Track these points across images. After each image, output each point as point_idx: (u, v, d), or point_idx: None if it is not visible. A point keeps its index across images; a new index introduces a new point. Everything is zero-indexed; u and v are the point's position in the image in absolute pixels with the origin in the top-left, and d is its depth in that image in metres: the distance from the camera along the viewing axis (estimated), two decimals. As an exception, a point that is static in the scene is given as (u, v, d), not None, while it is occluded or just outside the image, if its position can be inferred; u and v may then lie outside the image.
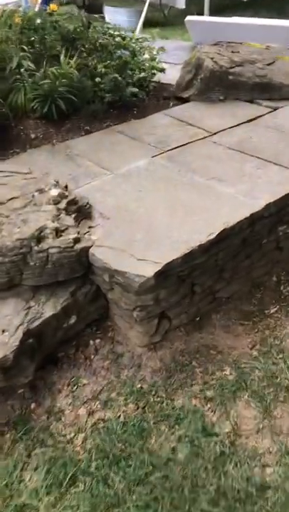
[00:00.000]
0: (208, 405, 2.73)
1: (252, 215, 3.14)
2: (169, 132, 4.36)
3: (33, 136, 4.31)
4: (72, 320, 3.03)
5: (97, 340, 3.15)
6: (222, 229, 3.00)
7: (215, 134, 4.30)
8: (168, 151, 4.03)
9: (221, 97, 4.95)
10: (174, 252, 2.83)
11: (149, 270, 2.72)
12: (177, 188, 3.44)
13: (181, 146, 4.11)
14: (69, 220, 3.05)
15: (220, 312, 3.35)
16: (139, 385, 2.87)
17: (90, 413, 2.73)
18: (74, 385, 2.90)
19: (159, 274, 2.74)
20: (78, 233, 2.99)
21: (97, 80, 4.61)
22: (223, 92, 4.96)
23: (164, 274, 2.81)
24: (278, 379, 2.83)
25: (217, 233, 2.97)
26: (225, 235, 3.05)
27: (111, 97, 4.63)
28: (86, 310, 3.13)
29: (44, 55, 4.91)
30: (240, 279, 3.47)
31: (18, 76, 4.43)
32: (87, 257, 2.95)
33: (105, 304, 3.22)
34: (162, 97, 5.22)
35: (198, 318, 3.29)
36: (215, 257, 3.14)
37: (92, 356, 3.07)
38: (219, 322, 3.28)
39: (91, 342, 3.15)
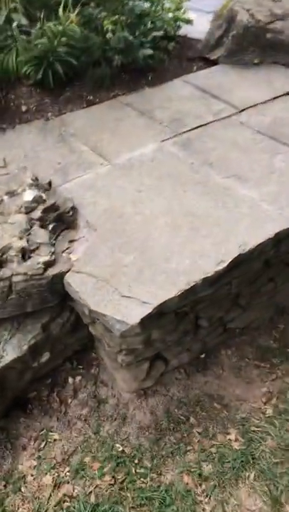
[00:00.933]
0: (203, 486, 2.15)
1: (277, 234, 2.42)
2: (187, 107, 3.58)
3: (24, 108, 3.60)
4: (45, 357, 2.47)
5: (78, 378, 2.60)
6: (236, 255, 2.31)
7: (243, 110, 3.50)
8: (183, 133, 3.28)
9: (256, 61, 4.08)
10: (169, 288, 2.18)
11: (134, 314, 2.09)
12: (186, 190, 2.74)
13: (199, 126, 3.34)
14: (43, 235, 2.41)
15: (231, 347, 2.73)
16: (120, 448, 2.32)
17: (57, 484, 2.21)
18: (42, 441, 2.38)
19: (147, 318, 2.11)
20: (53, 253, 2.36)
21: (109, 35, 3.79)
22: (258, 54, 4.08)
23: (157, 313, 2.17)
24: (296, 455, 2.21)
25: (229, 261, 2.28)
26: (240, 261, 2.36)
27: (120, 60, 3.83)
28: (64, 342, 2.56)
29: (48, 3, 4.11)
30: (261, 305, 2.81)
31: (9, 33, 3.67)
32: (63, 284, 2.33)
33: (89, 333, 2.63)
34: (186, 58, 4.37)
35: (203, 356, 2.67)
36: (227, 287, 2.47)
37: (69, 400, 2.52)
38: (229, 361, 2.66)
39: (70, 380, 2.60)
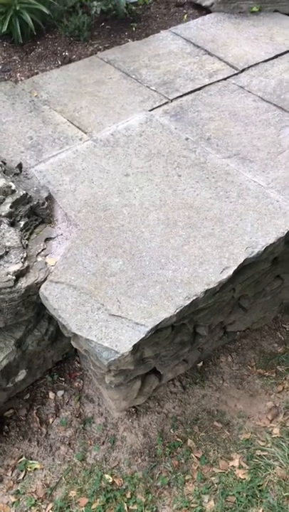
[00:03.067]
0: (205, 526, 1.90)
1: (290, 232, 2.08)
2: (178, 66, 3.10)
3: (-12, 67, 3.08)
4: (21, 376, 2.14)
5: (60, 393, 2.29)
6: (242, 260, 1.96)
7: (243, 71, 3.04)
8: (174, 99, 2.83)
9: (255, 8, 3.56)
10: (166, 303, 1.84)
11: (124, 340, 1.76)
12: (181, 174, 2.34)
13: (193, 91, 2.89)
14: (13, 236, 2.02)
15: (232, 353, 2.43)
16: (110, 479, 2.04)
17: (38, 527, 1.94)
18: (21, 470, 2.09)
19: (140, 344, 1.78)
20: (25, 258, 1.98)
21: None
22: (257, 0, 3.56)
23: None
24: (309, 487, 1.97)
25: (234, 268, 1.94)
26: (247, 265, 2.02)
27: (100, 7, 3.30)
28: (42, 356, 2.23)
29: None
30: (264, 304, 2.49)
31: None
32: (39, 296, 1.97)
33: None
34: (174, 3, 3.81)
35: (200, 364, 2.38)
36: (230, 293, 2.14)
37: (51, 420, 2.22)
38: (230, 369, 2.37)
39: (51, 395, 2.29)
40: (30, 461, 2.11)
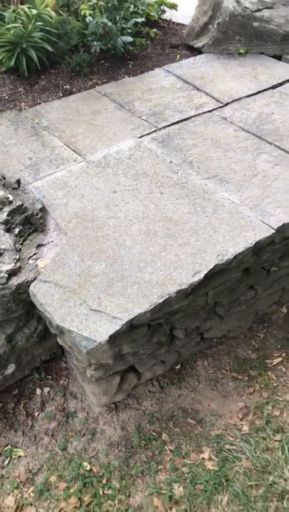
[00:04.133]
0: (174, 510, 2.04)
1: (258, 243, 2.29)
2: (168, 99, 3.40)
3: (-4, 97, 3.40)
4: (10, 369, 2.33)
5: (46, 390, 2.47)
6: (212, 266, 2.18)
7: (227, 104, 3.33)
8: (162, 128, 3.11)
9: (242, 50, 3.90)
10: (142, 301, 2.04)
11: (102, 331, 1.95)
12: (164, 191, 2.59)
13: (180, 121, 3.18)
14: (7, 240, 2.25)
15: (208, 357, 2.61)
16: (88, 467, 2.20)
17: (19, 506, 2.09)
18: (6, 457, 2.25)
19: (116, 335, 1.98)
20: (18, 260, 2.21)
21: (89, 19, 3.58)
22: (244, 43, 3.91)
23: (128, 327, 2.04)
24: (270, 477, 2.12)
25: (205, 272, 2.15)
26: (218, 271, 2.23)
27: (100, 46, 3.64)
28: (31, 353, 2.42)
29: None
30: (239, 314, 2.69)
31: (-20, 16, 3.46)
32: (28, 294, 2.18)
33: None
34: (169, 45, 4.17)
35: (178, 367, 2.55)
36: (204, 297, 2.34)
37: (37, 413, 2.39)
38: (206, 372, 2.55)
39: (38, 391, 2.47)
40: (15, 449, 2.27)
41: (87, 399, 2.43)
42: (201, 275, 2.15)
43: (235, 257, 2.23)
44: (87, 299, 2.07)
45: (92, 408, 2.40)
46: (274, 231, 2.35)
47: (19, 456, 2.25)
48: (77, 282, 2.14)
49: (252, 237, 2.31)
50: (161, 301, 2.05)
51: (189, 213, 2.46)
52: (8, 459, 2.24)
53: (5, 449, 2.27)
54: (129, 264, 2.21)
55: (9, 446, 2.28)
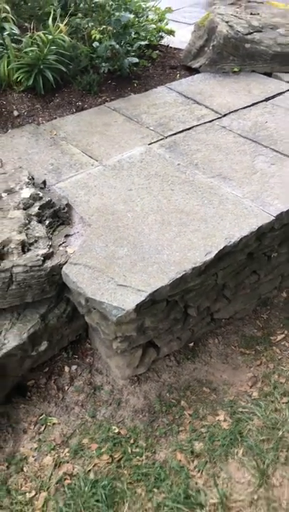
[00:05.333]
0: (195, 463, 2.30)
1: (260, 228, 2.61)
2: (171, 112, 3.77)
3: (16, 113, 3.74)
4: (43, 346, 2.59)
5: (73, 367, 2.73)
6: (222, 247, 2.49)
7: (225, 115, 3.70)
8: (168, 136, 3.46)
9: (236, 69, 4.30)
10: (161, 277, 2.34)
11: (129, 301, 2.24)
12: (174, 188, 2.91)
13: (184, 130, 3.53)
14: (41, 229, 2.56)
15: (218, 336, 2.89)
16: (116, 430, 2.45)
17: (57, 464, 2.33)
18: (42, 425, 2.50)
19: (141, 305, 2.26)
20: (50, 246, 2.50)
21: (96, 44, 3.98)
22: (238, 63, 4.31)
23: (150, 301, 2.33)
24: (280, 432, 2.38)
25: (216, 252, 2.46)
26: (226, 253, 2.54)
27: (108, 67, 4.02)
28: (60, 333, 2.69)
29: (37, 13, 4.29)
30: (244, 297, 2.98)
31: (0, 41, 3.82)
32: (61, 276, 2.47)
33: (84, 324, 2.78)
34: (169, 66, 4.58)
35: (191, 344, 2.84)
36: (214, 277, 2.64)
37: (66, 387, 2.64)
38: (217, 349, 2.83)
39: (66, 369, 2.72)
40: (49, 418, 2.52)
41: (111, 373, 2.69)
42: (212, 255, 2.45)
43: (241, 239, 2.55)
44: (114, 277, 2.36)
45: (117, 381, 2.66)
46: (273, 218, 2.67)
47: (53, 424, 2.49)
48: (104, 263, 2.43)
49: (255, 223, 2.63)
50: (178, 276, 2.35)
51: (198, 205, 2.78)
52: (44, 426, 2.48)
53: (40, 418, 2.52)
54: (148, 248, 2.51)
55: (44, 416, 2.52)
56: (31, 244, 2.48)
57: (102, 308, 2.28)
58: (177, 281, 2.35)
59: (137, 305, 2.23)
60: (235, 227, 2.61)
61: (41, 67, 3.75)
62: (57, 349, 2.74)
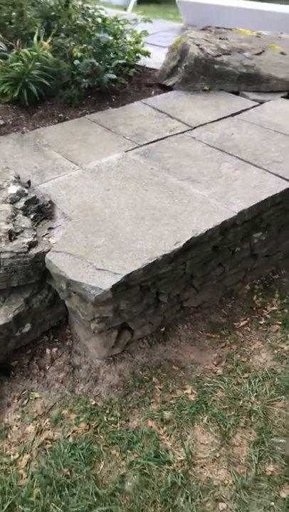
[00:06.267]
0: (165, 428, 2.56)
1: (224, 222, 2.93)
2: (146, 124, 4.11)
3: (1, 122, 4.03)
4: (27, 328, 2.84)
5: (54, 349, 2.97)
6: (189, 238, 2.79)
7: (195, 128, 4.06)
8: (143, 145, 3.79)
9: (206, 87, 4.69)
10: (135, 262, 2.62)
11: (106, 282, 2.51)
12: (148, 189, 3.22)
13: (157, 140, 3.87)
14: (26, 221, 2.83)
15: (187, 322, 3.18)
16: (93, 402, 2.69)
17: (39, 431, 2.56)
18: (25, 399, 2.72)
19: (117, 286, 2.54)
20: (35, 236, 2.77)
21: (76, 62, 4.33)
22: (208, 82, 4.70)
23: (125, 284, 2.60)
24: (240, 402, 2.66)
25: (184, 242, 2.76)
26: (193, 244, 2.84)
27: (88, 83, 4.36)
28: (42, 317, 2.93)
29: (21, 33, 4.62)
30: (211, 288, 3.28)
31: (-12, 57, 4.14)
32: (44, 263, 2.73)
33: (64, 311, 3.04)
34: (145, 84, 4.95)
35: (163, 329, 3.11)
36: (182, 266, 2.94)
37: (47, 367, 2.88)
38: (186, 333, 3.11)
39: (47, 351, 2.96)
40: (32, 393, 2.74)
41: (89, 354, 2.94)
42: (181, 244, 2.75)
43: (206, 232, 2.85)
44: (93, 262, 2.63)
45: (94, 361, 2.91)
46: (236, 214, 2.99)
47: (35, 398, 2.73)
48: (84, 251, 2.71)
49: (219, 218, 2.95)
50: (151, 262, 2.63)
51: (169, 203, 3.09)
52: (27, 400, 2.71)
53: (23, 393, 2.74)
54: (124, 238, 2.80)
55: (26, 391, 2.75)
56: (17, 233, 2.74)
57: (81, 289, 2.55)
58: (149, 266, 2.63)
59: (113, 285, 2.50)
60: (202, 222, 2.92)
61: (26, 80, 4.07)
62: (39, 332, 2.98)
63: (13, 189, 2.95)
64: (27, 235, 2.75)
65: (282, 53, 4.94)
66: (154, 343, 3.01)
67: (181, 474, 2.34)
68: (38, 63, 4.14)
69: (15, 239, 2.71)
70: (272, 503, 2.22)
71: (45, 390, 2.76)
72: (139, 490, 2.28)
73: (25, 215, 2.89)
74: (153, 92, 4.75)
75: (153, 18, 5.83)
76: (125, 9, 9.29)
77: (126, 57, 4.82)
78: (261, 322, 3.18)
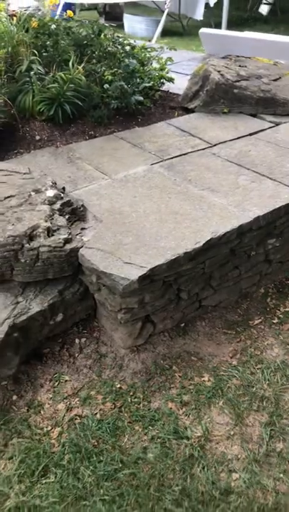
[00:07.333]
0: (183, 409, 2.79)
1: (240, 226, 3.21)
2: (170, 142, 4.45)
3: (37, 138, 4.41)
4: (59, 318, 3.12)
5: (83, 340, 3.24)
6: (209, 238, 3.07)
7: (215, 145, 4.39)
8: (167, 159, 4.12)
9: (225, 110, 5.03)
10: (159, 258, 2.91)
11: (134, 273, 2.80)
12: (171, 197, 3.53)
13: (180, 155, 4.20)
14: (62, 220, 3.15)
15: (205, 320, 3.43)
16: (118, 386, 2.95)
17: (69, 409, 2.82)
18: (56, 381, 2.99)
19: (143, 278, 2.82)
20: (69, 234, 3.08)
21: (106, 86, 4.73)
22: (227, 105, 5.05)
23: (150, 278, 2.89)
24: (254, 388, 2.89)
25: (204, 242, 3.04)
26: (212, 244, 3.12)
27: (117, 104, 4.74)
28: (73, 309, 3.22)
29: (56, 60, 5.05)
30: (228, 289, 3.54)
31: (28, 79, 4.55)
32: (77, 258, 3.03)
33: (93, 305, 3.32)
34: (168, 107, 5.32)
35: (182, 324, 3.37)
36: (202, 265, 3.21)
37: (77, 354, 3.15)
38: (204, 329, 3.36)
39: (76, 341, 3.23)
40: (62, 376, 3.01)
41: (114, 344, 3.21)
42: (201, 243, 3.03)
43: (224, 234, 3.14)
44: (121, 257, 2.93)
45: (119, 350, 3.17)
46: (251, 219, 3.27)
47: (66, 381, 2.99)
48: (113, 248, 3.01)
49: (236, 223, 3.23)
50: (173, 258, 2.92)
51: (190, 209, 3.39)
52: (57, 382, 2.98)
53: (54, 375, 3.01)
54: (149, 238, 3.10)
55: (57, 374, 3.02)
56: (54, 231, 3.06)
57: (111, 280, 2.84)
58: (172, 261, 2.92)
59: (140, 276, 2.79)
60: (220, 225, 3.20)
61: (61, 100, 4.45)
62: (70, 323, 3.26)
63: (51, 193, 3.29)
64: (63, 232, 3.07)
65: (297, 80, 5.29)
66: (174, 337, 3.27)
67: (198, 448, 2.57)
68: (71, 85, 4.53)
69: (52, 235, 3.03)
70: (282, 475, 2.44)
71: (74, 374, 3.02)
72: (159, 459, 2.51)
73: (60, 215, 3.21)
74: (176, 114, 5.11)
75: (177, 49, 6.27)
76: (150, 40, 9.82)
77: (151, 82, 5.21)
78: (274, 321, 3.41)
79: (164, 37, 10.95)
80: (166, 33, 11.18)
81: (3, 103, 4.30)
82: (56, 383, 2.98)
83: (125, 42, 5.14)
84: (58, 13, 7.63)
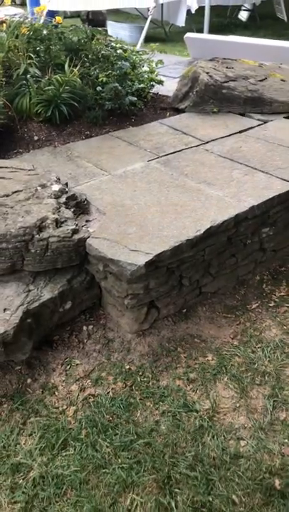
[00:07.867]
0: (191, 386, 2.96)
1: (237, 215, 3.40)
2: (164, 140, 4.64)
3: (36, 138, 4.57)
4: (68, 305, 3.27)
5: (90, 327, 3.39)
6: (209, 226, 3.26)
7: (207, 142, 4.59)
8: (163, 156, 4.31)
9: (215, 110, 5.25)
10: (164, 245, 3.08)
11: (140, 260, 2.97)
12: (169, 190, 3.71)
13: (175, 152, 4.39)
14: (68, 213, 3.30)
15: (205, 305, 3.61)
16: (127, 367, 3.10)
17: (82, 389, 2.96)
18: (67, 365, 3.13)
19: (149, 264, 2.99)
20: (76, 225, 3.24)
21: (99, 88, 4.91)
22: (216, 105, 5.26)
23: (154, 264, 3.06)
24: (256, 365, 3.07)
25: (204, 230, 3.22)
26: (211, 232, 3.30)
27: (111, 105, 4.91)
28: (80, 297, 3.37)
29: (49, 64, 5.21)
30: (226, 276, 3.72)
31: (24, 82, 4.70)
32: (84, 248, 3.19)
33: (98, 294, 3.47)
34: (159, 108, 5.52)
35: (184, 310, 3.54)
36: (202, 253, 3.39)
37: (85, 340, 3.30)
38: (204, 314, 3.53)
39: (84, 328, 3.38)
40: (73, 360, 3.16)
41: (121, 330, 3.36)
42: (202, 231, 3.21)
43: (223, 222, 3.33)
44: (127, 245, 3.10)
45: (126, 335, 3.33)
46: (247, 208, 3.47)
47: (77, 364, 3.13)
48: (118, 237, 3.18)
49: (233, 212, 3.43)
50: (176, 245, 3.10)
51: (189, 201, 3.57)
52: (69, 365, 3.12)
53: (65, 360, 3.16)
54: (152, 228, 3.27)
55: (68, 359, 3.16)
56: (62, 222, 3.22)
57: (118, 266, 3.00)
58: (175, 248, 3.10)
59: (146, 262, 2.96)
60: (218, 215, 3.39)
61: (58, 102, 4.62)
62: (77, 311, 3.41)
63: (56, 187, 3.45)
64: (70, 223, 3.23)
65: (282, 80, 5.53)
66: (177, 321, 3.44)
67: (207, 419, 2.74)
68: (67, 87, 4.70)
69: (60, 226, 3.18)
70: (286, 440, 2.62)
71: (84, 358, 3.17)
72: (172, 430, 2.67)
73: (66, 208, 3.37)
74: (168, 114, 5.31)
75: (162, 54, 6.49)
76: (134, 46, 10.03)
77: (142, 84, 5.40)
78: (271, 305, 3.61)
79: (147, 43, 11.19)
80: (149, 39, 11.40)
81: (2, 105, 4.45)
82: (68, 367, 3.12)
83: (117, 45, 5.33)
84: (41, 21, 7.80)
